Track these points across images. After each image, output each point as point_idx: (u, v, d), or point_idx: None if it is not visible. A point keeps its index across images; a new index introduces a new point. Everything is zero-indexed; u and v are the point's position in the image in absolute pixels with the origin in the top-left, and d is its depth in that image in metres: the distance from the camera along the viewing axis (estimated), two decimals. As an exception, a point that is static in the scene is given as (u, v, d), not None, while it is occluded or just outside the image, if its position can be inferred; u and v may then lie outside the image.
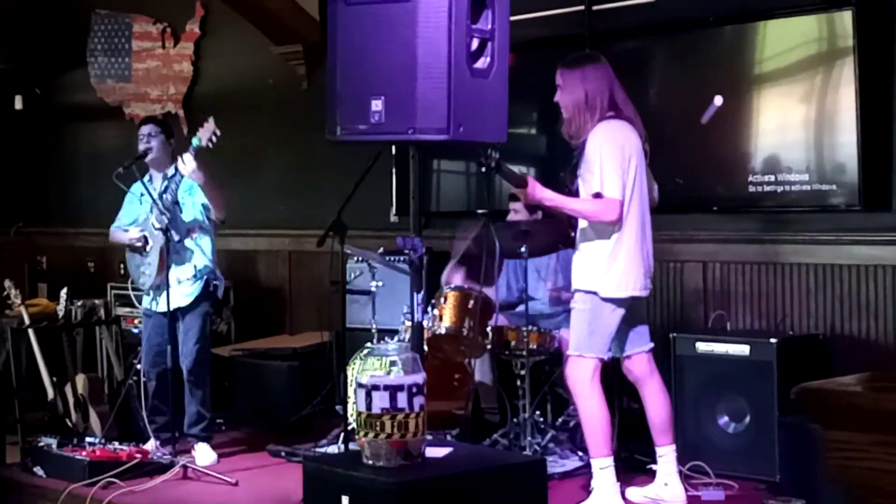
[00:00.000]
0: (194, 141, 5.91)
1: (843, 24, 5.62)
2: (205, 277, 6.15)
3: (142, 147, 6.23)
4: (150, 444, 6.05)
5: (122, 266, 8.94)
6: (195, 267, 6.15)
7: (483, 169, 4.73)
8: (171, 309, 5.99)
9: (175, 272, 6.08)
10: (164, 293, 5.97)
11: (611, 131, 4.92)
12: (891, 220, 5.64)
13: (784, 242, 5.99)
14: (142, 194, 6.17)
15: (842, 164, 5.68)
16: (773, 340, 5.42)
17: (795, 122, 5.83)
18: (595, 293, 4.93)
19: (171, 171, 6.15)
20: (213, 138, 5.92)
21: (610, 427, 4.96)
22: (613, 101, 4.96)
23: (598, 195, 4.86)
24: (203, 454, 6.11)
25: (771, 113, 5.92)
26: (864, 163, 5.59)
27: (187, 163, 5.90)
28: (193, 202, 6.13)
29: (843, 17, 5.61)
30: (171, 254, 6.04)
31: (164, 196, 6.06)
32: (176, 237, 6.04)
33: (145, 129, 6.29)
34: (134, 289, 6.43)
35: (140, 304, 6.40)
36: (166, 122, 6.69)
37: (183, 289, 6.12)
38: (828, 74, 5.71)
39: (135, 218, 6.28)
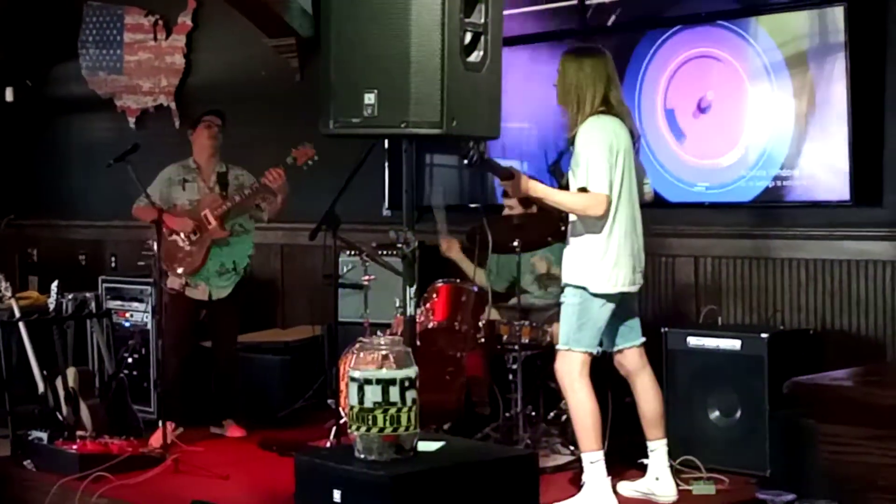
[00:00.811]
0: (288, 159, 6.19)
1: (835, 19, 5.62)
2: (242, 273, 6.41)
3: (210, 135, 6.46)
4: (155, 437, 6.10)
5: (113, 259, 8.95)
6: (234, 262, 6.41)
7: (466, 162, 4.72)
8: (211, 299, 6.35)
9: (213, 265, 6.34)
10: (202, 282, 6.30)
11: (600, 126, 4.92)
12: (881, 215, 5.65)
13: (775, 237, 6.00)
14: (184, 180, 6.40)
15: (833, 160, 5.68)
16: (764, 335, 5.43)
17: (787, 117, 5.84)
18: (584, 288, 4.93)
19: (221, 168, 6.39)
20: (310, 163, 6.21)
21: (600, 421, 4.96)
22: (606, 98, 4.96)
23: (583, 189, 4.87)
24: (233, 429, 6.42)
25: (763, 108, 5.92)
26: (855, 158, 5.60)
27: (276, 177, 6.16)
28: (245, 206, 6.39)
29: (835, 13, 5.61)
30: (215, 246, 6.32)
31: (225, 194, 6.33)
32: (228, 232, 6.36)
33: (218, 121, 6.57)
34: (144, 271, 6.62)
35: (164, 284, 6.50)
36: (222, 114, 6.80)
37: (222, 281, 6.38)
38: (820, 70, 5.71)
39: (168, 202, 6.42)
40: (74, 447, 5.73)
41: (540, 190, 4.95)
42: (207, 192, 6.42)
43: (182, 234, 6.34)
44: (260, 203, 6.43)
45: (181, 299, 6.38)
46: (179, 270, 6.37)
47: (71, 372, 6.54)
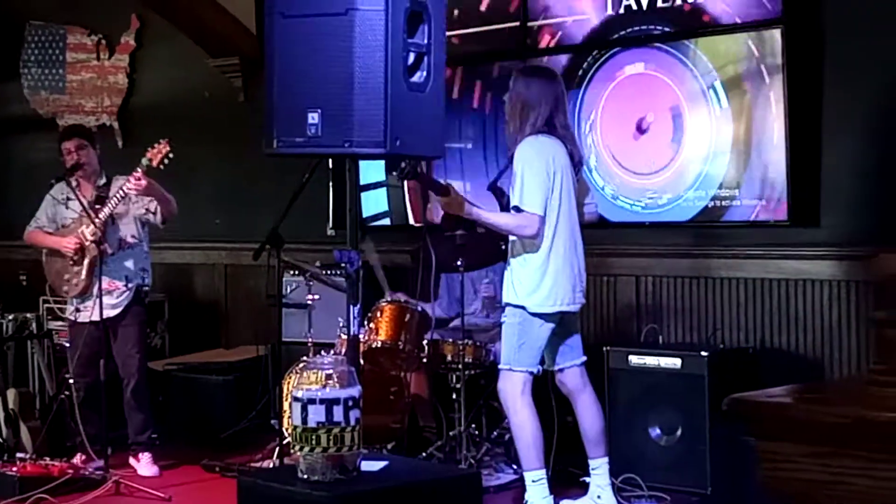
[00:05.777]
0: (144, 161, 5.90)
1: (772, 41, 5.71)
2: (135, 287, 6.15)
3: (70, 162, 6.19)
4: (76, 459, 5.98)
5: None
6: (126, 277, 6.14)
7: (396, 174, 4.73)
8: (102, 319, 5.96)
9: (104, 283, 6.02)
10: (92, 303, 5.96)
11: (538, 146, 4.95)
12: (819, 236, 5.73)
13: (715, 257, 6.06)
14: (68, 198, 6.13)
15: (771, 181, 5.75)
16: (704, 354, 5.48)
17: (725, 139, 5.91)
18: (524, 308, 4.96)
19: (101, 181, 6.14)
20: (166, 161, 5.94)
21: (541, 440, 4.99)
22: (551, 120, 5.00)
23: (517, 209, 4.90)
24: (145, 466, 6.09)
25: (701, 129, 5.99)
26: (793, 179, 5.68)
27: (136, 184, 5.88)
28: (130, 214, 6.12)
29: (773, 35, 5.70)
30: (101, 265, 5.99)
31: (99, 208, 6.04)
32: (109, 250, 6.02)
33: (70, 145, 6.23)
34: (54, 296, 6.39)
35: (62, 312, 6.35)
36: (86, 130, 6.65)
37: (111, 299, 6.10)
38: (757, 92, 5.79)
39: (56, 222, 6.23)
40: (14, 469, 5.65)
41: (474, 212, 4.97)
42: (87, 209, 6.03)
43: (66, 257, 6.14)
44: (149, 209, 6.14)
45: (76, 325, 6.20)
46: (67, 293, 6.22)
47: (11, 393, 6.46)
